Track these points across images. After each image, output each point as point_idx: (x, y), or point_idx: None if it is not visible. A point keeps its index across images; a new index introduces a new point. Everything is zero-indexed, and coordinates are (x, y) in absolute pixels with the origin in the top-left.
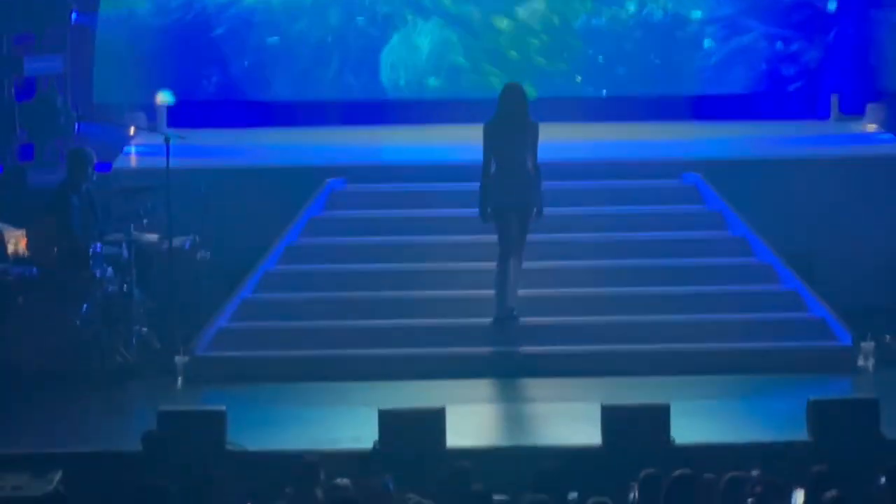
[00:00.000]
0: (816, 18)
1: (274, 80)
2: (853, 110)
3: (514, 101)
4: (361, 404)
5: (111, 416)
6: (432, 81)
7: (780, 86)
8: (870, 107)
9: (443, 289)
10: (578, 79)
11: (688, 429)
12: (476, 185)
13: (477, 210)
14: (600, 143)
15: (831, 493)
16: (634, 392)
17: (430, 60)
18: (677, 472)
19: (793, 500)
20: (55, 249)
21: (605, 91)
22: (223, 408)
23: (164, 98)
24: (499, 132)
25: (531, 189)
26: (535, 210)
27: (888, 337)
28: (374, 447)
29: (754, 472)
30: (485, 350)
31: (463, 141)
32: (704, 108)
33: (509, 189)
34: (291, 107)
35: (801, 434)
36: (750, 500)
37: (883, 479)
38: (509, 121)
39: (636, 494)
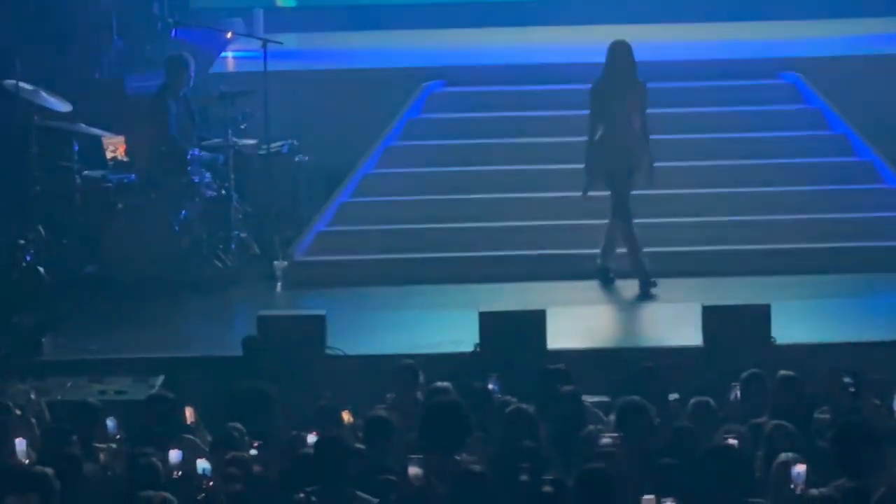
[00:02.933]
0: None
1: None
2: None
3: (622, 61)
4: (462, 307)
5: (211, 322)
6: None
7: None
8: None
9: (541, 190)
10: None
11: (789, 328)
12: (574, 87)
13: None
14: (699, 44)
15: None
16: (736, 292)
17: None
18: (782, 374)
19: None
20: (154, 155)
21: None
22: (323, 312)
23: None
24: (607, 94)
25: (640, 152)
26: (645, 177)
27: None
28: (474, 349)
29: (853, 372)
30: (585, 252)
31: (560, 42)
32: (805, 5)
33: (620, 152)
34: (388, 9)
35: None
36: (842, 399)
37: None
38: (618, 82)
39: (738, 394)
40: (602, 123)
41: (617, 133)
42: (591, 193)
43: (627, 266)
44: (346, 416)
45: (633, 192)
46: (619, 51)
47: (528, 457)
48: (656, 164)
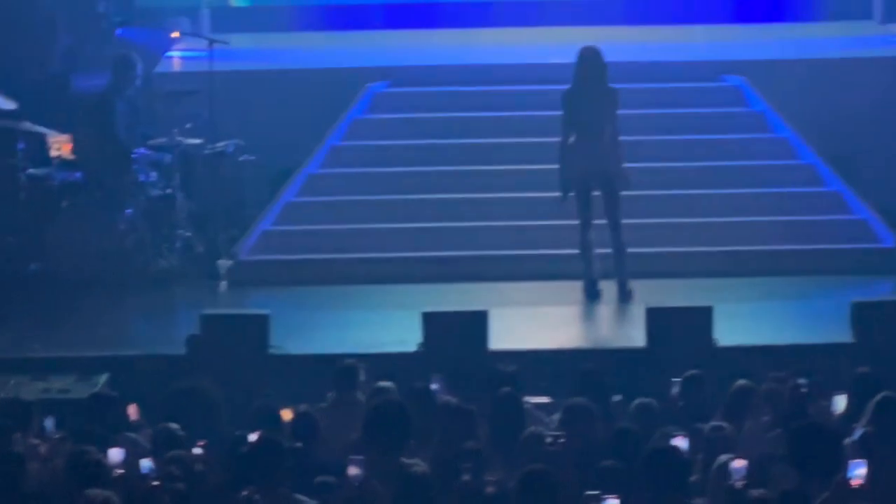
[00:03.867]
0: None
1: None
2: None
3: (593, 67)
4: (405, 307)
5: (155, 320)
6: None
7: None
8: None
9: (485, 191)
10: None
11: (731, 330)
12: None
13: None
14: (641, 46)
15: (880, 396)
16: (678, 294)
17: None
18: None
19: (834, 404)
20: (99, 154)
21: None
22: (266, 311)
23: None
24: (577, 100)
25: (613, 157)
26: (622, 181)
27: None
28: (417, 349)
29: (797, 378)
30: (528, 252)
31: (505, 44)
32: (747, 9)
33: (590, 158)
34: (333, 9)
35: (845, 336)
36: (792, 401)
37: None
38: (588, 88)
39: (678, 393)
40: (574, 130)
41: (588, 139)
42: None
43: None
44: (287, 415)
45: (625, 194)
46: (588, 56)
47: (469, 457)
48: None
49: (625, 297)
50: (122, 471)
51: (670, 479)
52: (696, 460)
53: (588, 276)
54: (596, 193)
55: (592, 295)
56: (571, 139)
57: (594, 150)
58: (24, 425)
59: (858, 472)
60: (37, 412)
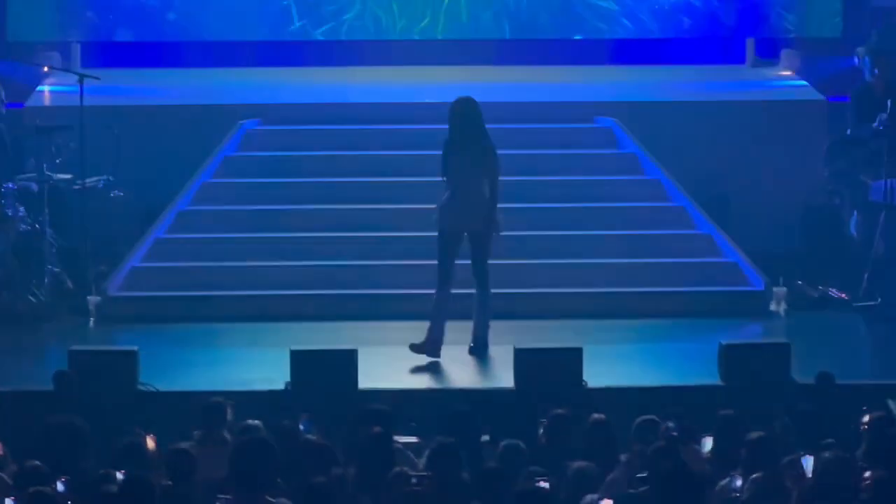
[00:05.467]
0: None
1: (192, 19)
2: (769, 55)
3: (469, 121)
4: (274, 345)
5: (22, 356)
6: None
7: (696, 30)
8: (784, 53)
9: (356, 230)
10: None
11: (600, 372)
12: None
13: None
14: (511, 86)
15: (755, 434)
16: (549, 335)
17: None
18: (594, 418)
19: (702, 446)
20: None
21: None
22: (135, 348)
23: None
24: (455, 156)
25: (487, 214)
26: (493, 234)
27: (800, 282)
28: (285, 388)
29: (666, 420)
30: (397, 292)
31: (374, 82)
32: (619, 51)
33: (463, 214)
34: (203, 46)
35: (713, 378)
36: (660, 443)
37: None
38: (467, 144)
39: (543, 432)
40: (449, 185)
41: (463, 195)
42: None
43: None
44: (150, 443)
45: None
46: (465, 111)
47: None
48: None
49: (479, 349)
50: None
51: None
52: (559, 500)
53: (434, 338)
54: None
55: (434, 355)
56: (446, 195)
57: (469, 208)
58: None
59: None
60: None
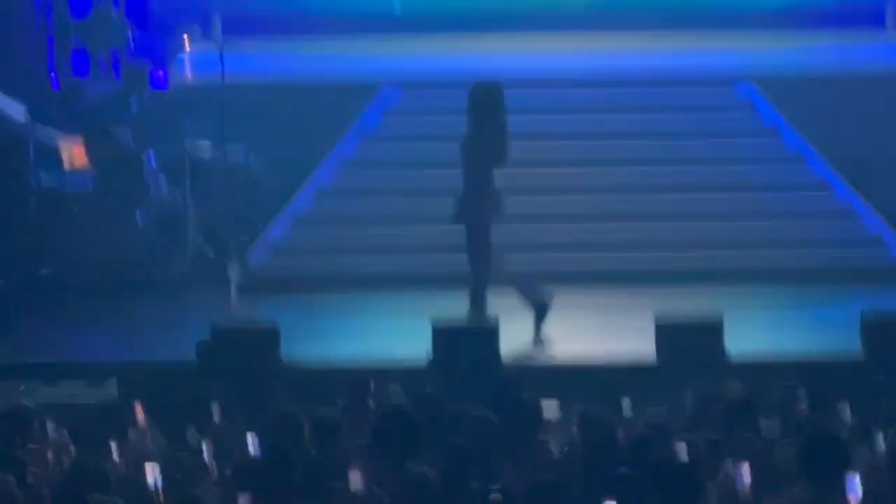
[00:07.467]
0: None
1: None
2: None
3: (494, 107)
4: (416, 316)
5: (165, 327)
6: None
7: None
8: None
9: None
10: None
11: (741, 341)
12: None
13: None
14: (652, 53)
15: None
16: (689, 302)
17: None
18: (735, 394)
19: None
20: (110, 160)
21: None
22: (277, 325)
23: None
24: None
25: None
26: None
27: None
28: (427, 360)
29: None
30: (539, 256)
31: (510, 50)
32: (759, 18)
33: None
34: (345, 16)
35: (855, 348)
36: (798, 412)
37: None
38: (487, 128)
39: (689, 407)
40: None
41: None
42: None
43: None
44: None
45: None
46: (489, 97)
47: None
48: None
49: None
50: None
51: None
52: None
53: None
54: None
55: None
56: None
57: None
58: (26, 431)
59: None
60: (40, 418)
